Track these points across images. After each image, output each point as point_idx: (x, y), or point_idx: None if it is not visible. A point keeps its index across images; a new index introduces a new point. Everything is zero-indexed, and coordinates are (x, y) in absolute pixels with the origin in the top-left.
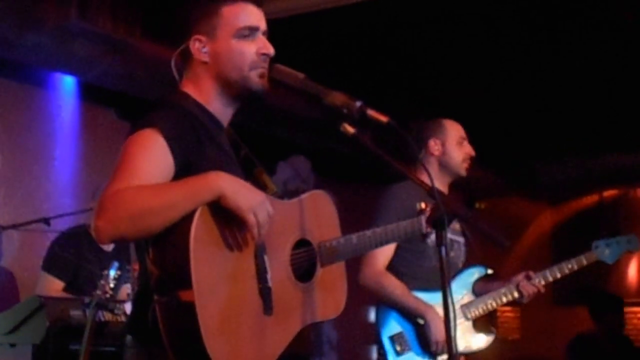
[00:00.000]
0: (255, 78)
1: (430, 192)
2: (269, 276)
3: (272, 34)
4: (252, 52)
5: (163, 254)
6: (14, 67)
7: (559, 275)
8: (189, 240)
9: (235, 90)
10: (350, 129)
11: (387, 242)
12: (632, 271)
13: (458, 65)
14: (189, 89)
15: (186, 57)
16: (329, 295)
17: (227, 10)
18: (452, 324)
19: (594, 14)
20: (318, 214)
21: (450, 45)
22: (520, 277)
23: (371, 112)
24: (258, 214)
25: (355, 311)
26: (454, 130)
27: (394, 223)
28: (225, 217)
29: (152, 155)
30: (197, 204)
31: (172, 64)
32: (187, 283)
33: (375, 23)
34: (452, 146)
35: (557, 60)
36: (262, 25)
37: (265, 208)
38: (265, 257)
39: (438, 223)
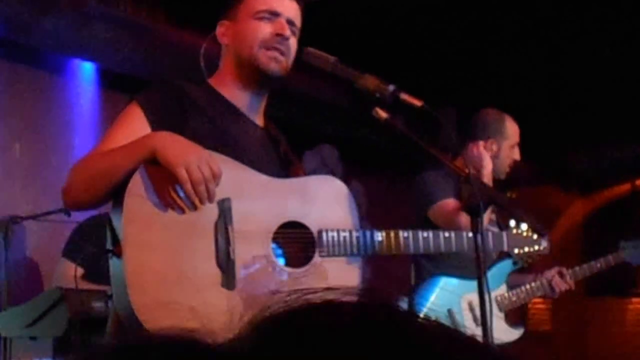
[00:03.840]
0: (264, 58)
1: (467, 179)
2: (232, 248)
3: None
4: (266, 31)
5: (114, 213)
6: (30, 53)
7: (588, 274)
8: (124, 196)
9: (246, 70)
10: (383, 114)
11: (422, 249)
12: None
13: (492, 53)
14: (214, 78)
15: (218, 49)
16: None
17: None
18: (487, 312)
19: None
20: (326, 199)
21: (485, 32)
22: (553, 272)
23: (405, 96)
24: (192, 170)
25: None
26: (513, 134)
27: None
28: (168, 175)
29: (126, 125)
30: (135, 162)
31: (200, 54)
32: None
33: (411, 6)
34: (506, 151)
35: (591, 48)
36: (287, 12)
37: (203, 164)
38: (230, 228)
39: (474, 210)
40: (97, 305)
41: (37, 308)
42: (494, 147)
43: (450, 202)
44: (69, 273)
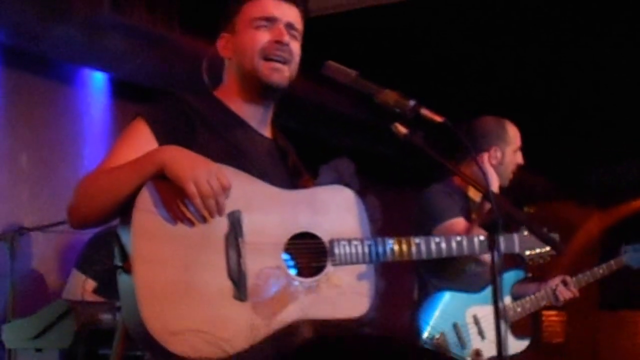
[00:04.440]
0: (265, 70)
1: (487, 195)
2: (243, 260)
3: (324, 30)
4: (265, 40)
5: (122, 229)
6: (40, 62)
7: (591, 280)
8: (132, 211)
9: (249, 82)
10: (403, 130)
11: (435, 254)
12: None
13: (511, 67)
14: (219, 90)
15: (222, 62)
16: (345, 296)
17: (247, 5)
18: (502, 329)
19: None
20: (337, 209)
21: (503, 46)
22: (556, 281)
23: (425, 112)
24: (201, 185)
25: (396, 313)
26: (515, 138)
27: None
28: (177, 190)
29: (132, 141)
30: (143, 177)
31: (203, 68)
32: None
33: (429, 20)
34: (510, 156)
35: (609, 64)
36: (285, 17)
37: (212, 178)
38: (241, 240)
39: (492, 226)
40: (105, 317)
41: (43, 320)
42: (498, 155)
43: (461, 222)
44: (80, 286)
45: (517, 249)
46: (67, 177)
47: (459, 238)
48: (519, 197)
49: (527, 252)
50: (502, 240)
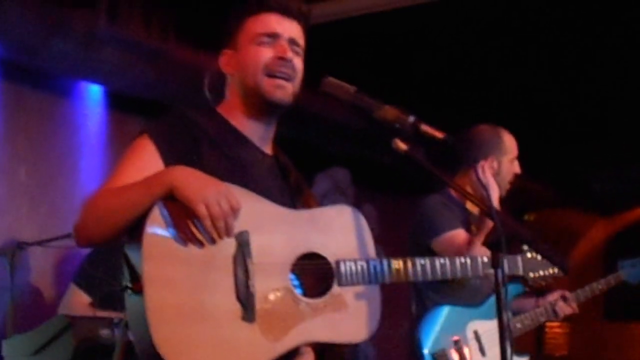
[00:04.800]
0: (269, 87)
1: (489, 212)
2: (251, 282)
3: (321, 38)
4: (268, 56)
5: (130, 249)
6: (38, 75)
7: (590, 296)
8: (142, 233)
9: (252, 98)
10: (403, 146)
11: (440, 275)
12: None
13: (511, 75)
14: (222, 106)
15: (223, 77)
16: (351, 318)
17: (249, 21)
18: (507, 344)
19: None
20: (342, 229)
21: (503, 54)
22: (555, 296)
23: (425, 128)
24: (211, 206)
25: (394, 327)
26: (511, 148)
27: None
28: (187, 211)
29: (137, 159)
30: (152, 198)
31: (205, 83)
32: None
33: (425, 28)
34: (507, 166)
35: (611, 70)
36: (287, 32)
37: (222, 199)
38: (249, 261)
39: (496, 245)
40: (104, 332)
41: (43, 335)
42: (495, 165)
43: (461, 234)
44: (78, 300)
45: (520, 271)
46: (64, 189)
47: (463, 259)
48: (520, 205)
49: (531, 275)
50: (505, 262)
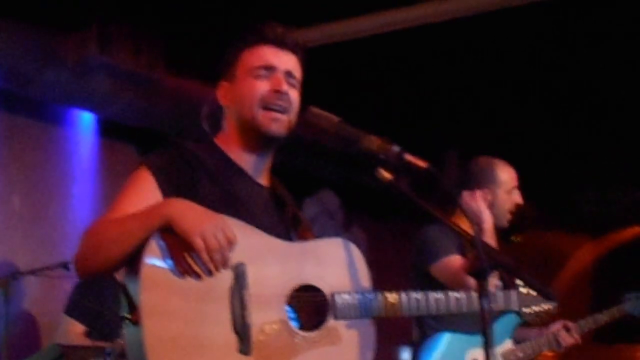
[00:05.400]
0: (265, 120)
1: (472, 242)
2: (247, 312)
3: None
4: (264, 89)
5: (129, 280)
6: (30, 104)
7: (593, 327)
8: (140, 264)
9: (248, 131)
10: (387, 175)
11: (435, 311)
12: None
13: (496, 97)
14: (219, 137)
15: (221, 109)
16: (346, 352)
17: (245, 54)
18: None
19: (636, 45)
20: (338, 261)
21: (489, 78)
22: (558, 326)
23: (409, 158)
24: (208, 239)
25: (387, 351)
26: (506, 179)
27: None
28: (184, 243)
29: (137, 191)
30: (149, 230)
31: (202, 115)
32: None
33: (406, 55)
34: (502, 196)
35: (597, 90)
36: (283, 65)
37: (219, 232)
38: (245, 293)
39: (479, 273)
40: None
41: None
42: (489, 197)
43: (457, 259)
44: (71, 330)
45: (515, 307)
46: (57, 217)
47: (458, 295)
48: (508, 226)
49: (525, 310)
50: (500, 297)
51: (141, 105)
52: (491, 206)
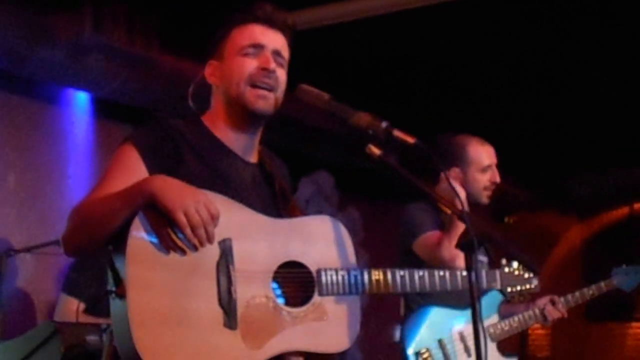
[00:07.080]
0: (251, 97)
1: (461, 216)
2: (233, 288)
3: (301, 45)
4: (252, 67)
5: (115, 256)
6: (25, 83)
7: (580, 301)
8: (126, 240)
9: (235, 109)
10: (376, 151)
11: (418, 288)
12: None
13: (486, 80)
14: (206, 115)
15: (209, 87)
16: (332, 328)
17: (234, 32)
18: (482, 348)
19: (625, 30)
20: (324, 238)
21: (479, 60)
22: (545, 300)
23: (397, 133)
24: (190, 214)
25: (379, 330)
26: (478, 158)
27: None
28: (168, 219)
29: (123, 167)
30: (133, 208)
31: (189, 93)
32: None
33: (402, 36)
34: (474, 175)
35: (586, 74)
36: (271, 44)
37: (201, 207)
38: (232, 268)
39: (467, 246)
40: (91, 338)
41: (30, 342)
42: (460, 176)
43: (435, 234)
44: (70, 308)
45: (498, 285)
46: (53, 196)
47: (442, 273)
48: (499, 208)
49: (509, 289)
50: (484, 276)
51: (136, 85)
52: (463, 184)
